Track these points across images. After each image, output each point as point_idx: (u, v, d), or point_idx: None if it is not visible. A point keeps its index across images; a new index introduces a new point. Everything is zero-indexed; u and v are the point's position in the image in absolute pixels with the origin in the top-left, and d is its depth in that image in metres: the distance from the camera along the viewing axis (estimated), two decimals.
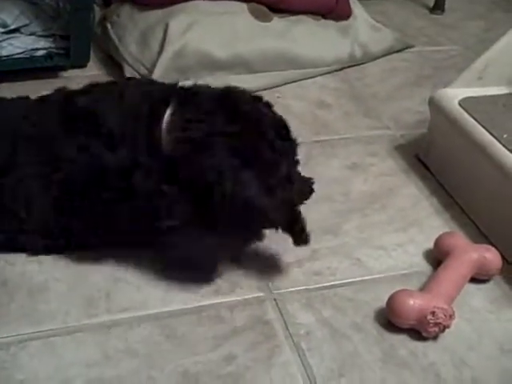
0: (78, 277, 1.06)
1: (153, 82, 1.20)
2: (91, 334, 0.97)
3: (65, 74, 1.59)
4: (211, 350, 0.96)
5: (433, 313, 0.97)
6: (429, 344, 0.99)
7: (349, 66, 1.71)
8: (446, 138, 1.29)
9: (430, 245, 1.15)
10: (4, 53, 1.53)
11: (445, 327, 0.98)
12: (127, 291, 1.04)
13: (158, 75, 1.48)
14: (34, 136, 1.07)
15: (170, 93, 1.06)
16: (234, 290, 1.05)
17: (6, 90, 1.50)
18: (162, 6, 1.57)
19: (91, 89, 1.11)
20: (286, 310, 1.03)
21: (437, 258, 1.12)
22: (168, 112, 1.02)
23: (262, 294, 1.05)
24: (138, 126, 1.02)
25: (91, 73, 1.61)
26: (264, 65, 1.57)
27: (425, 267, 1.12)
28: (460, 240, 1.12)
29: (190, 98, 1.05)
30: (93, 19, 1.66)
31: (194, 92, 1.07)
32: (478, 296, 1.08)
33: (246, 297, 1.05)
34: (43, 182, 1.05)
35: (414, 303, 0.98)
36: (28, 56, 1.54)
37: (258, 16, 1.60)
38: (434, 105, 1.30)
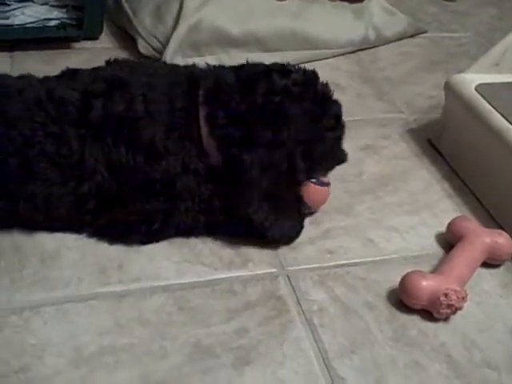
0: (90, 246, 1.05)
1: (174, 69, 1.16)
2: (104, 302, 0.97)
3: (77, 45, 1.58)
4: (224, 322, 0.96)
5: (446, 294, 0.97)
6: (439, 325, 0.99)
7: (362, 49, 1.71)
8: (460, 123, 1.29)
9: (442, 228, 1.15)
10: (16, 21, 1.51)
11: (457, 309, 0.98)
12: (140, 262, 1.04)
13: (171, 50, 1.47)
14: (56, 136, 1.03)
15: (197, 86, 1.06)
16: (246, 264, 1.05)
17: (18, 58, 1.50)
18: None
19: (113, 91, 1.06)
20: (298, 286, 1.03)
21: (449, 241, 1.12)
22: (202, 113, 1.04)
23: (274, 270, 1.06)
24: (178, 133, 1.04)
25: (104, 45, 1.60)
26: (278, 44, 1.56)
27: (436, 250, 1.12)
28: (473, 224, 1.12)
29: (218, 91, 1.05)
30: None
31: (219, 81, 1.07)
32: (489, 280, 1.08)
33: (259, 272, 1.05)
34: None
35: (427, 284, 0.98)
36: (40, 25, 1.53)
37: None
38: (449, 89, 1.30)
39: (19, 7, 1.53)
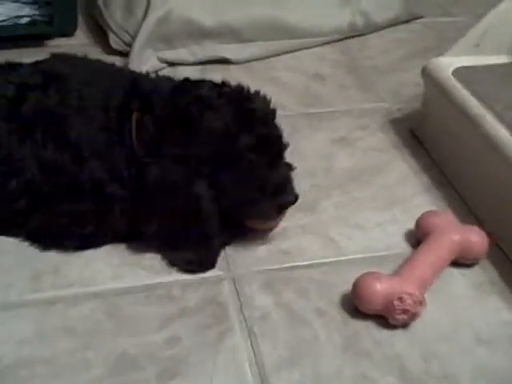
0: (28, 250, 0.99)
1: (119, 71, 1.09)
2: (31, 310, 0.90)
3: (51, 42, 1.53)
4: (155, 331, 0.88)
5: (400, 298, 0.87)
6: (397, 333, 0.89)
7: (351, 37, 1.61)
8: (440, 111, 1.18)
9: (413, 225, 1.04)
10: None
11: (414, 315, 0.88)
12: (77, 265, 0.97)
13: (140, 43, 1.40)
14: None
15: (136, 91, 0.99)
16: None
17: None
18: None
19: (48, 83, 1.00)
20: (243, 291, 0.94)
21: (418, 238, 1.02)
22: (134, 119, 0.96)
23: (219, 273, 0.97)
24: (109, 136, 0.96)
25: (78, 42, 1.54)
26: (254, 34, 1.48)
27: (405, 249, 1.02)
28: (443, 219, 1.01)
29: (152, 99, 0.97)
30: None
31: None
32: (460, 282, 0.97)
33: (203, 275, 0.97)
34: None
35: (381, 287, 0.88)
36: (11, 23, 1.48)
37: None
38: (426, 75, 1.19)
39: None
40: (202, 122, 0.94)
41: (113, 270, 0.97)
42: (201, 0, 1.44)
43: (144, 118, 0.96)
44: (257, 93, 1.01)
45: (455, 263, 0.99)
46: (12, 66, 1.06)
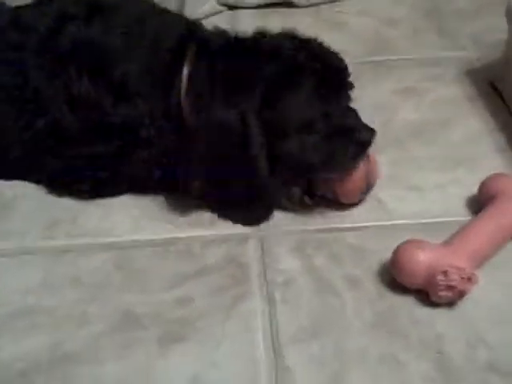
0: (49, 196, 0.94)
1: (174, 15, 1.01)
2: (42, 258, 0.85)
3: None
4: (166, 289, 0.80)
5: (445, 272, 0.74)
6: (440, 312, 0.76)
7: None
8: None
9: None
10: None
11: (461, 293, 0.75)
12: (96, 215, 0.91)
13: None
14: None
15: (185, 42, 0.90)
16: (215, 223, 0.89)
17: None
18: None
19: (93, 15, 0.92)
20: (270, 252, 0.85)
21: (481, 204, 0.88)
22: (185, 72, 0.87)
23: (247, 231, 0.88)
24: (154, 77, 0.88)
25: None
26: None
27: (465, 216, 0.87)
28: (510, 184, 0.86)
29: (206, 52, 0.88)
30: None
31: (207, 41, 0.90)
32: None
33: (227, 232, 0.87)
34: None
35: (424, 258, 0.76)
36: None
37: None
38: (510, 15, 1.02)
39: None
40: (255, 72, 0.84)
41: (132, 221, 0.90)
42: None
43: (199, 64, 0.87)
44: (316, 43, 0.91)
45: None
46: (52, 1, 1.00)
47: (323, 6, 1.36)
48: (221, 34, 0.93)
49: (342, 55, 1.18)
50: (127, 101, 0.88)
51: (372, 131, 0.86)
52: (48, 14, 0.94)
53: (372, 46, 1.23)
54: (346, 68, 0.90)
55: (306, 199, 0.88)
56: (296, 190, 0.88)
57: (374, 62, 1.19)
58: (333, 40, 1.20)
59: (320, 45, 0.90)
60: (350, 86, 0.90)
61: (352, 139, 0.84)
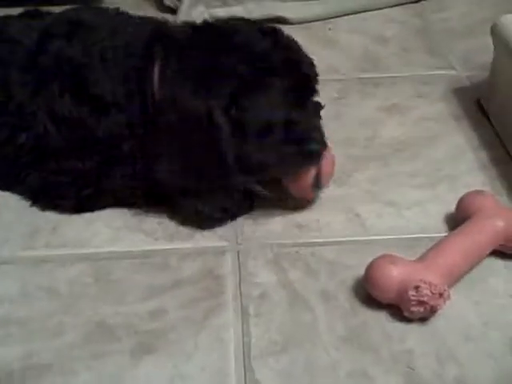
0: (32, 206, 0.94)
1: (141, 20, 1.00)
2: (19, 268, 0.85)
3: None
4: (141, 301, 0.80)
5: (416, 288, 0.74)
6: (413, 327, 0.76)
7: None
8: (509, 77, 1.01)
9: None
10: None
11: (432, 308, 0.75)
12: (76, 226, 0.91)
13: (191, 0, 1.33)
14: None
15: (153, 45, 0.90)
16: (193, 236, 0.89)
17: None
18: None
19: (73, 33, 0.93)
20: (246, 265, 0.85)
21: (457, 222, 0.88)
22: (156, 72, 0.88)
23: (224, 244, 0.88)
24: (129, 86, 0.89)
25: None
26: None
27: (443, 233, 0.87)
28: (488, 201, 0.86)
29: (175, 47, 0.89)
30: None
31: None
32: (501, 274, 0.82)
33: (205, 245, 0.88)
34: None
35: (396, 273, 0.76)
36: None
37: None
38: (495, 34, 1.03)
39: None
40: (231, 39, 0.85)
41: (112, 232, 0.90)
42: None
43: (168, 64, 0.87)
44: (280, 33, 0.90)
45: (498, 253, 0.84)
46: (39, 13, 1.02)
47: (316, 24, 1.37)
48: (188, 29, 0.93)
49: (331, 71, 1.22)
50: (106, 115, 0.89)
51: (323, 144, 0.87)
52: (34, 28, 0.95)
53: (361, 63, 1.24)
54: (316, 75, 0.89)
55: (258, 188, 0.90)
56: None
57: (362, 79, 1.19)
58: (323, 56, 1.24)
59: (291, 44, 0.89)
60: (317, 93, 0.90)
61: (302, 150, 0.85)
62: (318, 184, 0.89)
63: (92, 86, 0.89)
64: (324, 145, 0.88)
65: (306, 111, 0.88)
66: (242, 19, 0.96)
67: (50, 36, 0.93)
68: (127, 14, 1.02)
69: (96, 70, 0.90)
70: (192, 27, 0.92)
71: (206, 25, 0.92)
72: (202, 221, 0.90)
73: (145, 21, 1.00)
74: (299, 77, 0.86)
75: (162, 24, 0.97)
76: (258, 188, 0.90)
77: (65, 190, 0.91)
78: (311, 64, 0.89)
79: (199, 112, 0.82)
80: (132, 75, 0.89)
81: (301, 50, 0.90)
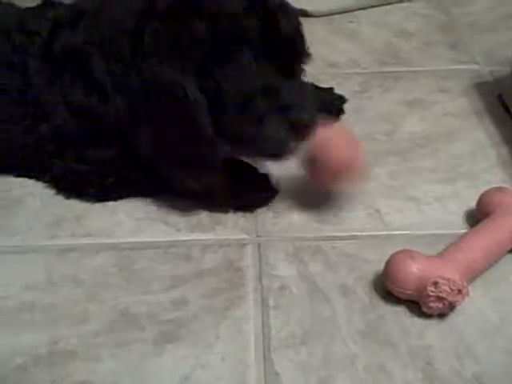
0: (58, 195, 0.96)
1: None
2: (44, 256, 0.87)
3: None
4: (163, 290, 0.82)
5: (435, 283, 0.75)
6: (431, 323, 0.77)
7: None
8: None
9: None
10: None
11: (451, 304, 0.75)
12: (100, 216, 0.93)
13: None
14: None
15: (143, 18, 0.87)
16: (215, 228, 0.90)
17: None
18: None
19: (77, 21, 0.93)
20: (266, 258, 0.86)
21: (478, 218, 0.88)
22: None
23: (245, 236, 0.89)
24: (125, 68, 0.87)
25: None
26: None
27: (463, 229, 0.88)
28: (509, 198, 0.86)
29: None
30: None
31: None
32: None
33: (227, 237, 0.89)
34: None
35: (416, 268, 0.77)
36: None
37: None
38: None
39: None
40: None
41: (135, 223, 0.92)
42: None
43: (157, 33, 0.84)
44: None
45: None
46: (54, 4, 1.02)
47: (337, 16, 1.37)
48: None
49: (352, 65, 1.21)
50: (109, 100, 0.88)
51: (312, 113, 0.80)
52: (48, 18, 0.96)
53: (383, 57, 1.24)
54: (299, 35, 0.83)
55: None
56: None
57: (383, 73, 1.19)
58: (344, 50, 1.25)
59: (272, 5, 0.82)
60: (304, 55, 0.85)
61: (286, 119, 0.79)
62: (334, 173, 0.85)
63: (95, 72, 0.89)
64: (313, 116, 0.81)
65: (290, 79, 0.83)
66: None
67: (59, 26, 0.94)
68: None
69: (96, 55, 0.89)
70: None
71: None
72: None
73: None
74: (276, 39, 0.81)
75: None
76: None
77: (88, 179, 0.93)
78: (292, 23, 0.83)
79: (174, 86, 0.80)
80: (125, 54, 0.87)
81: (286, 13, 0.82)
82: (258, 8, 0.81)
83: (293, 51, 0.84)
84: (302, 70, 0.87)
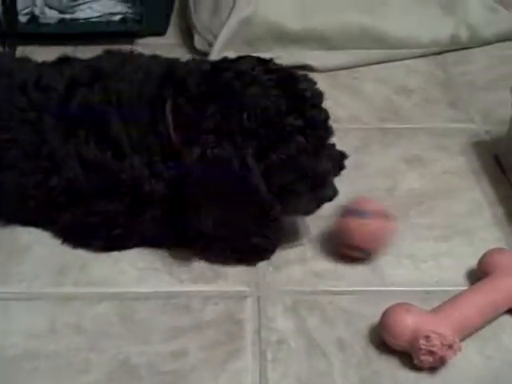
0: (62, 244, 0.98)
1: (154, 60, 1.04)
2: (48, 304, 0.89)
3: (141, 40, 1.53)
4: (163, 341, 0.84)
5: (427, 337, 0.77)
6: (422, 376, 0.79)
7: (452, 50, 1.48)
8: None
9: (472, 260, 0.92)
10: (82, 15, 1.52)
11: (442, 358, 0.77)
12: (104, 265, 0.95)
13: (221, 44, 1.38)
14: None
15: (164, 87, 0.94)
16: (216, 280, 0.93)
17: (81, 51, 1.48)
18: None
19: (94, 81, 0.98)
20: (265, 311, 0.88)
21: (478, 277, 0.90)
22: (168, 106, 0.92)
23: (246, 289, 0.91)
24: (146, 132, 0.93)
25: (167, 41, 1.54)
26: (343, 41, 1.41)
27: (457, 286, 0.90)
28: (508, 259, 0.88)
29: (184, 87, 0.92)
30: None
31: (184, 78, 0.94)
32: None
33: (227, 289, 0.91)
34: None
35: (410, 321, 0.79)
36: (104, 20, 1.51)
37: None
38: None
39: (87, 1, 1.54)
40: (245, 96, 0.87)
41: (138, 273, 0.94)
42: (288, 3, 1.40)
43: (178, 101, 0.91)
44: (304, 75, 0.95)
45: None
46: (68, 61, 1.06)
47: (341, 72, 1.41)
48: (201, 63, 0.99)
49: (353, 120, 1.25)
50: (126, 157, 0.93)
51: (335, 190, 0.93)
52: (64, 76, 1.00)
53: (384, 113, 1.28)
54: (327, 120, 0.93)
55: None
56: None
57: (384, 129, 1.23)
58: (347, 105, 1.29)
59: (303, 90, 0.91)
60: (331, 135, 0.94)
61: (317, 197, 0.92)
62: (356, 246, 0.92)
63: (111, 130, 0.94)
64: (336, 192, 0.93)
65: (320, 158, 0.91)
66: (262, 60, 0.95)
67: (76, 83, 0.98)
68: (141, 55, 1.06)
69: (114, 115, 0.94)
70: (211, 65, 0.96)
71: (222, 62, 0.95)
72: (259, 253, 0.95)
73: (155, 61, 1.03)
74: (313, 127, 0.89)
75: (175, 64, 1.00)
76: None
77: (95, 230, 0.96)
78: (321, 110, 0.92)
79: (231, 160, 0.86)
80: (145, 118, 0.93)
81: (311, 92, 0.92)
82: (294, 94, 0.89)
83: (326, 133, 0.93)
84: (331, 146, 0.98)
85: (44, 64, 1.06)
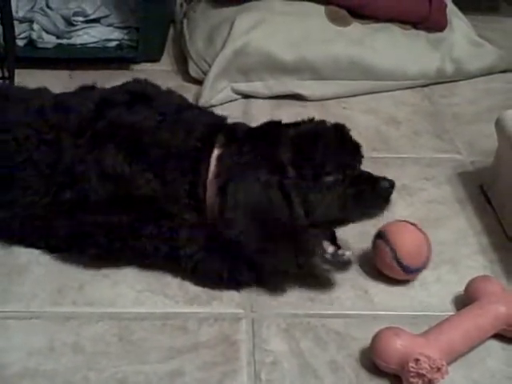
0: (60, 264, 1.01)
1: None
2: (47, 323, 0.91)
3: (136, 66, 1.57)
4: (160, 361, 0.86)
5: (416, 360, 0.80)
6: None
7: (438, 83, 1.54)
8: (511, 167, 1.09)
9: (458, 287, 0.96)
10: (79, 41, 1.55)
11: (430, 381, 0.80)
12: (102, 285, 0.97)
13: (215, 73, 1.41)
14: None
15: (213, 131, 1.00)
16: (211, 302, 0.95)
17: (77, 76, 1.52)
18: (235, 2, 1.51)
19: (135, 102, 1.03)
20: (260, 333, 0.91)
21: (465, 303, 0.93)
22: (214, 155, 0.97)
23: (240, 311, 0.94)
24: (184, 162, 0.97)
25: (161, 68, 1.57)
26: (333, 72, 1.45)
27: (444, 312, 0.93)
28: (493, 287, 0.92)
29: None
30: (177, 15, 1.67)
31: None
32: (498, 356, 0.88)
33: (222, 311, 0.94)
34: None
35: (399, 344, 0.82)
36: (100, 46, 1.55)
37: (334, 19, 1.48)
38: (499, 128, 1.11)
39: (84, 27, 1.57)
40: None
41: (135, 294, 0.96)
42: (281, 34, 1.44)
43: (229, 149, 0.97)
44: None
45: (498, 335, 0.90)
46: (92, 88, 1.10)
47: (331, 102, 1.46)
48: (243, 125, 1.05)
49: None
50: (159, 178, 0.96)
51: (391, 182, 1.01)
52: (90, 98, 1.04)
53: (372, 143, 1.32)
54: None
55: (341, 252, 0.96)
56: (327, 244, 0.97)
57: (372, 159, 1.26)
58: None
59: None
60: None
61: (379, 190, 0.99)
62: (398, 261, 0.96)
63: (149, 151, 0.96)
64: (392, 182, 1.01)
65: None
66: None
67: (108, 104, 1.02)
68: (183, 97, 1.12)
69: (156, 137, 0.97)
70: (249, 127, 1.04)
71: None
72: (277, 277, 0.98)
73: (204, 111, 1.10)
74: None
75: (221, 118, 1.06)
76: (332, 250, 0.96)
77: (96, 241, 0.97)
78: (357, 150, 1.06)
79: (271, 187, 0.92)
80: (191, 153, 0.97)
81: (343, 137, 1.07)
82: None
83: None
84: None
85: (67, 93, 1.10)
